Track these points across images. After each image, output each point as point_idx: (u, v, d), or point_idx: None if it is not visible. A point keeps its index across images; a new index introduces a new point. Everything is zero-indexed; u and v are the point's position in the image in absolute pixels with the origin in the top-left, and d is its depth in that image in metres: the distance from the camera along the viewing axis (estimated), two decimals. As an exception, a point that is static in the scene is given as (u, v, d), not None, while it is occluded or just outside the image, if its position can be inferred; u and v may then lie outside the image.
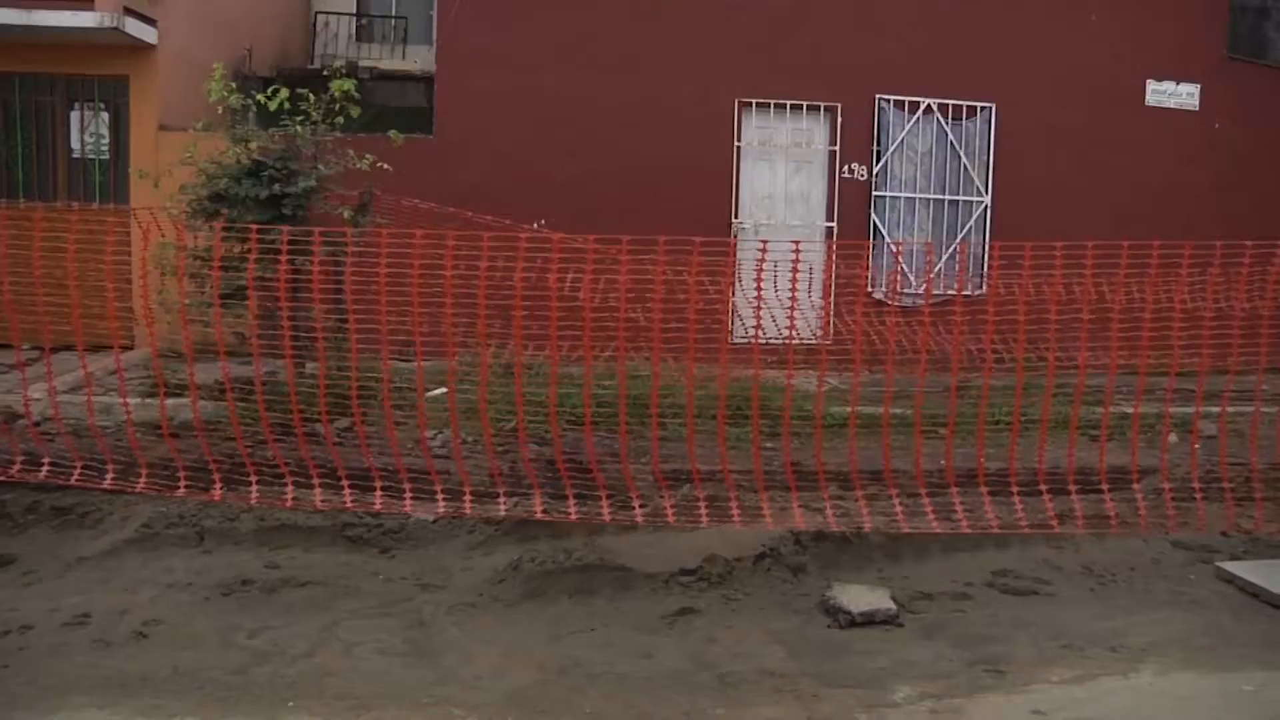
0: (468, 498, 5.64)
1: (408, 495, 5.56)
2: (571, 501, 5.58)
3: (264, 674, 4.34)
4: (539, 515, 5.61)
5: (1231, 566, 5.90)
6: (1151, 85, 13.16)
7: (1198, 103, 13.29)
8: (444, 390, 7.00)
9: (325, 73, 9.16)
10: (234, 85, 8.48)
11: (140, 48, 11.01)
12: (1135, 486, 6.37)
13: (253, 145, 8.31)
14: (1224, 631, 5.12)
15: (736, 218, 11.94)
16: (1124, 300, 5.70)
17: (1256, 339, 6.02)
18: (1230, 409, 7.05)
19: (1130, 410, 6.68)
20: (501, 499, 5.70)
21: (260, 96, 8.55)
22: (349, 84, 8.55)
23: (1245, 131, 13.36)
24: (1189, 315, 5.84)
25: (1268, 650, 4.91)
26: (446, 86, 11.53)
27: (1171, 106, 13.26)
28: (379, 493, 5.55)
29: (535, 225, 10.40)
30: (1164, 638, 5.01)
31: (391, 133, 9.09)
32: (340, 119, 8.58)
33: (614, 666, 4.51)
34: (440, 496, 5.59)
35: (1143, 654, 4.81)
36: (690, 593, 5.26)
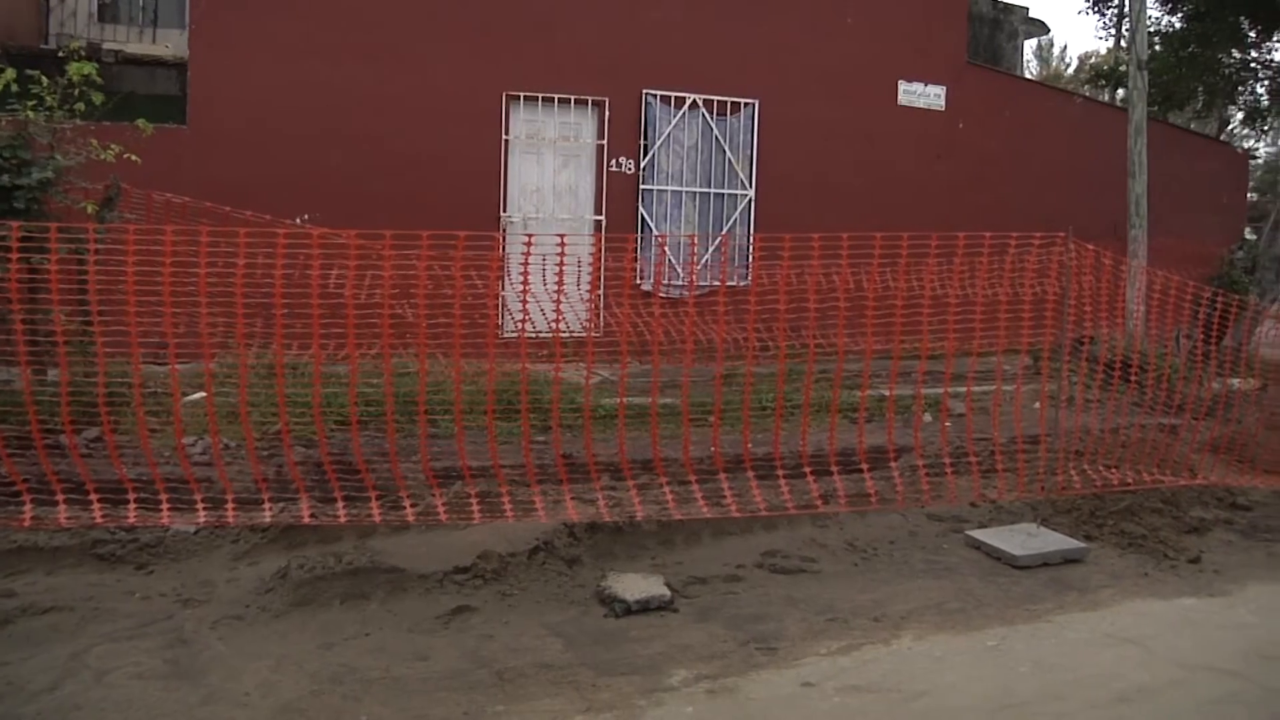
0: (230, 506, 5.39)
1: (165, 506, 5.28)
2: (340, 504, 5.43)
3: (-5, 716, 3.98)
4: (307, 520, 5.43)
5: (979, 534, 6.34)
6: (903, 85, 13.96)
7: (944, 104, 14.21)
8: (202, 394, 6.66)
9: (61, 54, 8.49)
10: (-53, 63, 7.75)
11: None
12: (892, 465, 6.75)
13: (-27, 131, 7.63)
14: (973, 594, 5.52)
15: (505, 211, 11.90)
16: (878, 288, 6.00)
17: (996, 323, 6.46)
18: (975, 388, 7.58)
19: (886, 393, 7.06)
20: (267, 505, 5.48)
21: (-19, 77, 7.85)
22: (89, 67, 7.96)
23: (985, 132, 14.41)
24: (937, 302, 6.23)
25: (1009, 608, 5.35)
26: (201, 73, 10.95)
27: (921, 106, 14.12)
28: (133, 505, 5.24)
29: (298, 220, 10.04)
30: (921, 604, 5.34)
31: (140, 121, 8.54)
32: (81, 105, 7.98)
33: (389, 670, 4.40)
34: (201, 506, 5.33)
35: (902, 621, 5.12)
36: (465, 590, 5.19)
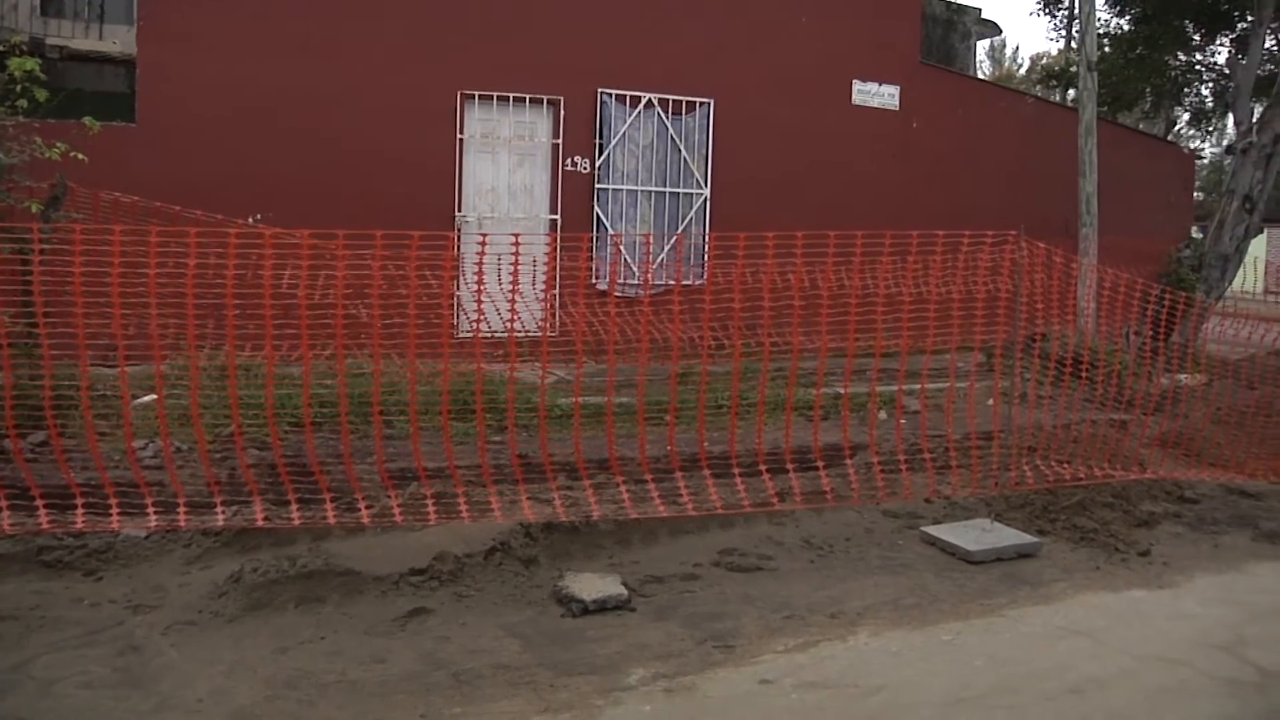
0: (182, 509, 5.31)
1: (115, 511, 5.17)
2: (295, 506, 5.36)
3: (-68, 734, 3.87)
4: (260, 523, 5.37)
5: (934, 530, 6.40)
6: (857, 85, 14.05)
7: (898, 103, 14.33)
8: (153, 397, 6.57)
9: (2, 48, 8.33)
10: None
11: None
12: (848, 462, 6.79)
13: (-88, 127, 7.46)
14: (928, 590, 5.58)
15: (460, 211, 11.83)
16: (833, 287, 6.03)
17: (949, 321, 6.52)
18: (929, 386, 7.63)
19: (842, 390, 7.10)
20: (219, 508, 5.41)
21: (-81, 71, 7.67)
22: (31, 63, 7.81)
23: (939, 131, 14.54)
24: (891, 300, 6.28)
25: (963, 603, 5.42)
26: (150, 70, 10.77)
27: (875, 106, 14.22)
28: (81, 511, 5.13)
29: (250, 220, 9.92)
30: (877, 600, 5.39)
31: (87, 119, 8.39)
32: (24, 102, 7.84)
33: (345, 674, 4.36)
34: (152, 510, 5.24)
35: (859, 617, 5.16)
36: (421, 592, 5.16)
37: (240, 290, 5.12)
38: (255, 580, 5.11)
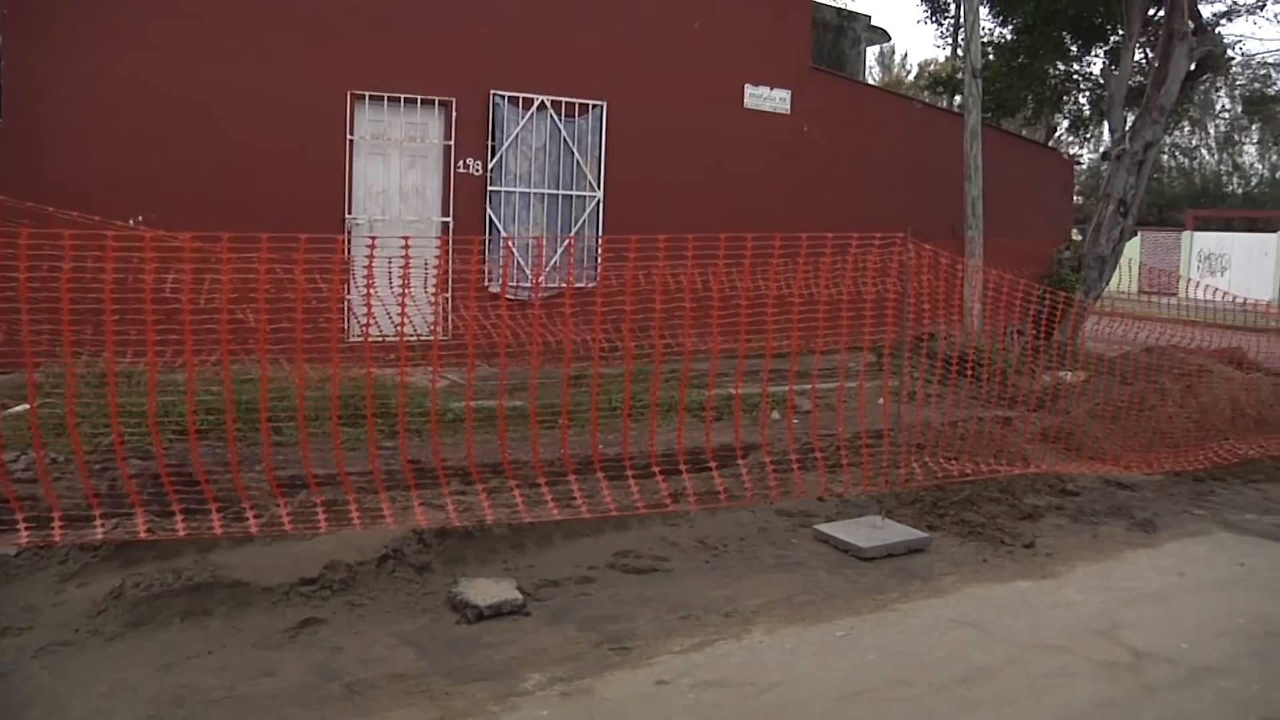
0: (58, 524, 5.10)
1: (-19, 528, 4.95)
2: (179, 517, 5.20)
3: None
4: (143, 535, 5.18)
5: (826, 528, 6.49)
6: (749, 89, 14.22)
7: (789, 107, 14.53)
8: (25, 407, 6.30)
9: None
10: None
11: None
12: (741, 462, 6.85)
13: None
14: (821, 587, 5.65)
15: (350, 213, 11.61)
16: (723, 288, 6.09)
17: (839, 321, 6.63)
18: (819, 386, 7.74)
19: (733, 391, 7.17)
20: (98, 521, 5.20)
21: None
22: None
23: (829, 135, 14.79)
24: (782, 301, 6.36)
25: (856, 598, 5.51)
26: (17, 64, 10.27)
27: (767, 109, 14.40)
28: (-57, 529, 4.89)
29: (131, 222, 9.59)
30: (771, 598, 5.45)
31: (-53, 116, 8.02)
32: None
33: (234, 689, 4.24)
34: (23, 525, 5.01)
35: (754, 616, 5.20)
36: (313, 602, 5.05)
37: (120, 294, 4.94)
38: (137, 595, 4.93)
